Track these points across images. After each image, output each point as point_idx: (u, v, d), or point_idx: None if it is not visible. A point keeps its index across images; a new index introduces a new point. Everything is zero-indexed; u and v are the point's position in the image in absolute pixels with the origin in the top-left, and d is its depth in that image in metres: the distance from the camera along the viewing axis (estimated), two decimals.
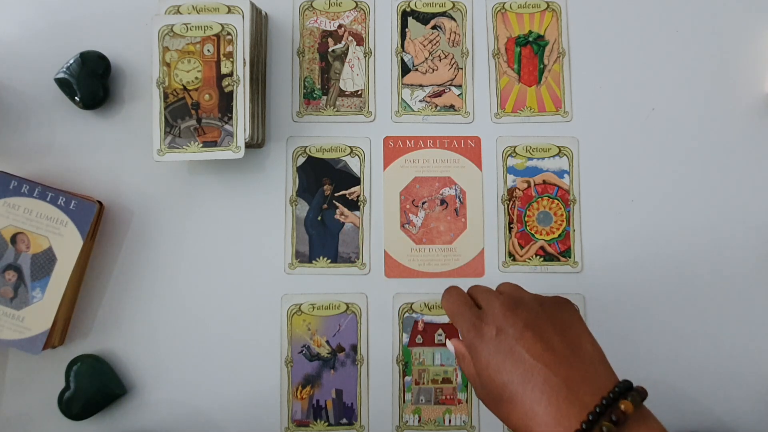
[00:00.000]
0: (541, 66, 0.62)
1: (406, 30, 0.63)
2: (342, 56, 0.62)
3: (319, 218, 0.60)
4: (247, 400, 0.58)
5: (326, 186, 0.60)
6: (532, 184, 0.61)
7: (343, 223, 0.60)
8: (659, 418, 0.38)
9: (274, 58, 0.62)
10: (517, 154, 0.61)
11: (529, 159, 0.61)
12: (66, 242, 0.54)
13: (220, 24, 0.56)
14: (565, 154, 0.61)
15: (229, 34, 0.56)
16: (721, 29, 0.62)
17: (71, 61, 0.59)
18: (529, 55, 0.62)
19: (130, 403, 0.57)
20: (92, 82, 0.58)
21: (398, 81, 0.62)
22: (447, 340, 0.47)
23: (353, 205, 0.60)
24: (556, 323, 0.41)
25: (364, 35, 0.63)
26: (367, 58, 0.62)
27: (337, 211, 0.60)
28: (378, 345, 0.59)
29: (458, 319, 0.44)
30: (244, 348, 0.58)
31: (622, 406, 0.34)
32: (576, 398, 0.35)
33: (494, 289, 0.46)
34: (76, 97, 0.58)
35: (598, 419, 0.34)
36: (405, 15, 0.63)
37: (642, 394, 0.36)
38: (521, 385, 0.37)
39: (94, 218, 0.55)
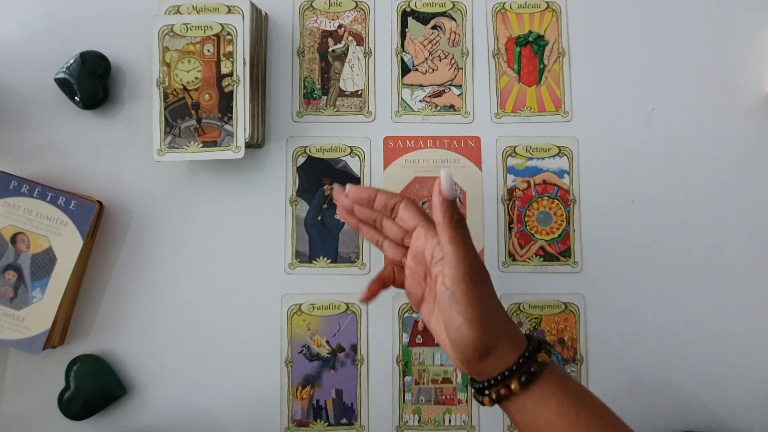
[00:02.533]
0: (541, 66, 0.62)
1: (406, 30, 0.63)
2: (342, 56, 0.62)
3: (319, 218, 0.60)
4: (247, 400, 0.58)
5: (326, 186, 0.60)
6: (532, 184, 0.61)
7: (343, 223, 0.60)
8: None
9: (274, 58, 0.62)
10: (517, 154, 0.61)
11: (529, 159, 0.61)
12: (66, 242, 0.54)
13: (220, 24, 0.56)
14: (565, 154, 0.61)
15: (229, 34, 0.56)
16: (721, 29, 0.62)
17: (71, 61, 0.59)
18: (529, 55, 0.62)
19: (130, 403, 0.57)
20: (92, 82, 0.58)
21: (398, 81, 0.62)
22: (442, 170, 0.42)
23: None
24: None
25: (364, 35, 0.63)
26: (367, 58, 0.62)
27: (337, 211, 0.60)
28: (378, 345, 0.59)
29: (454, 248, 0.42)
30: (244, 348, 0.58)
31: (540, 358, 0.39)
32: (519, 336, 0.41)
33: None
34: (76, 97, 0.58)
35: (521, 366, 0.39)
36: (405, 15, 0.63)
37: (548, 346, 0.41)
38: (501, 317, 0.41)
39: (94, 218, 0.55)
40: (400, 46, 0.62)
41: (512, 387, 0.38)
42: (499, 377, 0.39)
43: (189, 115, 0.56)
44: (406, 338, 0.59)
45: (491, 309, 0.40)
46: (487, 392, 0.40)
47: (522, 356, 0.39)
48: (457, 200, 0.60)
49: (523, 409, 0.39)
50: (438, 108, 0.62)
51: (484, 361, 0.40)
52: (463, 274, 0.39)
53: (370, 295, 0.47)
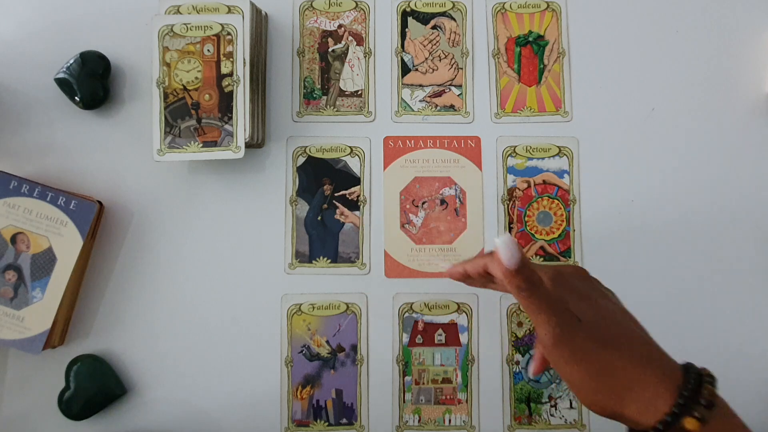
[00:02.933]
0: (541, 66, 0.62)
1: (406, 30, 0.63)
2: (342, 56, 0.62)
3: (319, 218, 0.60)
4: (247, 400, 0.58)
5: (326, 186, 0.60)
6: (532, 184, 0.61)
7: (343, 223, 0.60)
8: None
9: (274, 58, 0.62)
10: (517, 154, 0.61)
11: (529, 159, 0.61)
12: (66, 242, 0.54)
13: (220, 24, 0.56)
14: (565, 154, 0.61)
15: (229, 34, 0.56)
16: (721, 29, 0.62)
17: (71, 61, 0.59)
18: (529, 55, 0.62)
19: (130, 403, 0.57)
20: (92, 82, 0.58)
21: (398, 81, 0.62)
22: (497, 238, 0.37)
23: (353, 205, 0.60)
24: (604, 295, 0.41)
25: (364, 35, 0.63)
26: (367, 58, 0.62)
27: (337, 211, 0.60)
28: (378, 345, 0.59)
29: (536, 316, 0.37)
30: (244, 348, 0.58)
31: (706, 392, 0.34)
32: (666, 370, 0.36)
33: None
34: (76, 97, 0.58)
35: (688, 400, 0.33)
36: (405, 15, 0.63)
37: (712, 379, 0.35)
38: (626, 328, 0.37)
39: (94, 218, 0.55)
40: (400, 46, 0.62)
41: None
42: None
43: (189, 115, 0.56)
44: (406, 338, 0.59)
45: (597, 372, 0.35)
46: None
47: (662, 421, 0.33)
48: (458, 200, 0.60)
49: None
50: (438, 108, 0.62)
51: (621, 422, 0.35)
52: (549, 343, 0.36)
53: (539, 368, 0.42)
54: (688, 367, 0.35)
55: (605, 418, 0.36)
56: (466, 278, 0.45)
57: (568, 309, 0.36)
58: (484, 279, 0.44)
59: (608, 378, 0.35)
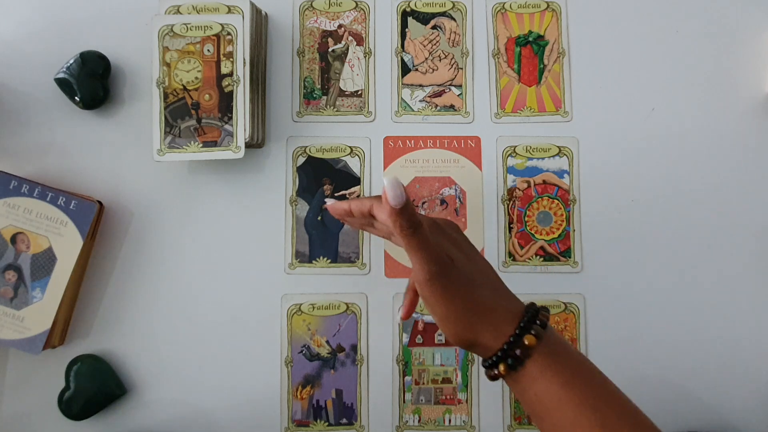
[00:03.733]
0: (541, 66, 0.62)
1: (406, 30, 0.63)
2: (342, 56, 0.62)
3: (319, 218, 0.60)
4: (247, 400, 0.58)
5: (326, 186, 0.60)
6: (532, 184, 0.61)
7: (343, 223, 0.60)
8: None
9: (274, 58, 0.62)
10: (517, 154, 0.61)
11: (529, 159, 0.61)
12: (66, 242, 0.54)
13: (220, 24, 0.56)
14: (565, 154, 0.61)
15: (229, 34, 0.56)
16: (721, 29, 0.62)
17: (71, 61, 0.59)
18: (529, 55, 0.62)
19: (130, 403, 0.57)
20: (92, 82, 0.58)
21: (398, 81, 0.62)
22: (384, 178, 0.40)
23: None
24: (466, 243, 0.46)
25: (364, 35, 0.63)
26: (367, 58, 0.62)
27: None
28: (378, 345, 0.59)
29: (415, 255, 0.41)
30: (244, 348, 0.58)
31: (541, 317, 0.41)
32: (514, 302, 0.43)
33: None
34: (76, 97, 0.58)
35: (527, 323, 0.40)
36: (405, 15, 0.63)
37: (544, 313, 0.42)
38: (487, 273, 0.43)
39: (94, 218, 0.55)
40: (400, 46, 0.62)
41: (501, 370, 0.39)
42: (488, 362, 0.41)
43: (189, 115, 0.56)
44: (406, 338, 0.59)
45: (462, 306, 0.40)
46: (486, 370, 0.42)
47: (507, 342, 0.39)
48: (458, 200, 0.60)
49: (515, 385, 0.40)
50: (438, 108, 0.62)
51: (473, 350, 0.41)
52: (424, 279, 0.40)
53: (408, 310, 0.48)
54: (530, 304, 0.42)
55: (463, 348, 0.42)
56: (348, 215, 0.48)
57: (443, 251, 0.41)
58: (364, 220, 0.48)
59: (469, 312, 0.40)
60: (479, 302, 0.41)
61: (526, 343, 0.39)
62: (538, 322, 0.40)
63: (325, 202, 0.54)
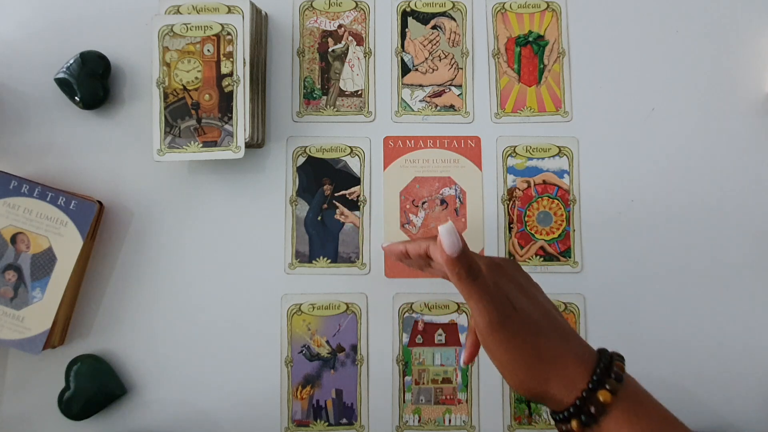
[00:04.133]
0: (541, 66, 0.62)
1: (406, 30, 0.63)
2: (342, 56, 0.62)
3: (319, 218, 0.60)
4: (247, 400, 0.58)
5: (326, 186, 0.60)
6: (532, 184, 0.61)
7: (343, 223, 0.60)
8: None
9: (274, 58, 0.62)
10: (517, 154, 0.61)
11: (529, 159, 0.61)
12: (66, 242, 0.54)
13: (220, 24, 0.56)
14: (565, 154, 0.61)
15: (229, 34, 0.56)
16: (721, 29, 0.62)
17: (71, 61, 0.59)
18: (529, 55, 0.62)
19: (130, 403, 0.57)
20: (92, 82, 0.58)
21: (398, 81, 0.62)
22: (440, 226, 0.39)
23: (353, 205, 0.60)
24: (530, 283, 0.44)
25: (364, 35, 0.63)
26: (367, 58, 0.62)
27: (337, 211, 0.60)
28: (378, 345, 0.59)
29: (473, 300, 0.39)
30: (244, 348, 0.58)
31: (616, 368, 0.37)
32: (586, 350, 0.39)
33: None
34: (76, 97, 0.58)
35: (601, 376, 0.37)
36: (405, 15, 0.63)
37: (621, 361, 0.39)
38: (552, 318, 0.40)
39: (94, 218, 0.55)
40: (400, 46, 0.62)
41: (573, 427, 0.36)
42: (559, 416, 0.37)
43: (189, 115, 0.56)
44: (406, 338, 0.59)
45: (528, 355, 0.37)
46: (556, 424, 0.38)
47: (579, 398, 0.36)
48: (458, 200, 0.60)
49: None
50: (438, 108, 0.62)
51: (542, 402, 0.38)
52: (485, 327, 0.38)
53: (471, 354, 0.44)
54: (601, 351, 0.39)
55: (531, 400, 0.39)
56: (405, 258, 0.47)
57: (505, 296, 0.39)
58: (422, 261, 0.47)
59: (536, 361, 0.38)
60: (546, 350, 0.38)
61: (601, 399, 0.36)
62: (613, 374, 0.37)
63: (382, 246, 0.52)
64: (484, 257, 0.43)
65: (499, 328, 0.38)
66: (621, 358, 0.38)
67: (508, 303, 0.39)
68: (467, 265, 0.38)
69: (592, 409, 0.36)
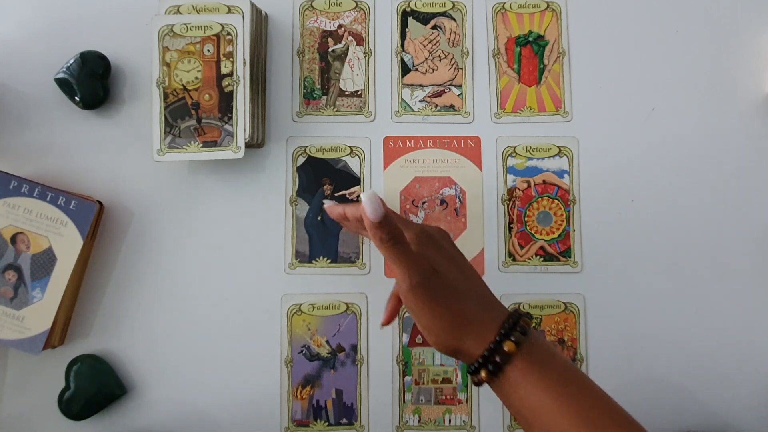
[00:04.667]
0: (541, 66, 0.62)
1: (406, 30, 0.63)
2: (342, 56, 0.62)
3: (319, 218, 0.60)
4: (247, 400, 0.58)
5: (326, 186, 0.60)
6: (532, 184, 0.61)
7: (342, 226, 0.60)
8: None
9: (274, 58, 0.62)
10: (517, 154, 0.61)
11: (529, 159, 0.61)
12: (66, 242, 0.54)
13: (220, 24, 0.56)
14: (565, 154, 0.61)
15: (229, 34, 0.56)
16: (721, 29, 0.62)
17: (71, 61, 0.59)
18: (529, 55, 0.62)
19: (130, 403, 0.57)
20: (92, 82, 0.58)
21: (398, 81, 0.62)
22: (362, 193, 0.42)
23: None
24: (455, 250, 0.46)
25: (364, 35, 0.63)
26: (367, 58, 0.62)
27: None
28: (378, 345, 0.59)
29: (398, 265, 0.42)
30: (244, 348, 0.58)
31: (522, 323, 0.41)
32: (493, 308, 0.43)
33: None
34: (76, 97, 0.58)
35: (508, 330, 0.40)
36: (405, 15, 0.63)
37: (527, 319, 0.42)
38: (473, 283, 0.44)
39: (94, 218, 0.55)
40: (400, 46, 0.62)
41: (482, 376, 0.40)
42: (471, 368, 0.41)
43: (189, 115, 0.56)
44: (406, 338, 0.59)
45: (446, 315, 0.41)
46: (470, 377, 0.42)
47: (487, 349, 0.40)
48: (458, 200, 0.60)
49: (499, 391, 0.41)
50: (438, 108, 0.62)
51: (457, 356, 0.42)
52: (407, 289, 0.41)
53: (389, 317, 0.49)
54: (513, 311, 0.42)
55: (448, 355, 0.43)
56: (343, 219, 0.50)
57: (427, 261, 0.42)
58: (359, 225, 0.49)
59: (452, 321, 0.41)
60: (463, 311, 0.41)
61: (506, 349, 0.39)
62: (518, 328, 0.40)
63: (323, 203, 0.54)
64: (415, 225, 0.46)
65: (420, 290, 0.41)
66: (529, 316, 0.44)
67: (428, 267, 0.42)
68: (388, 230, 0.41)
69: (498, 359, 0.39)
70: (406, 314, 0.59)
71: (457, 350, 0.41)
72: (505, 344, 0.39)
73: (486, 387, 0.41)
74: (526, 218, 0.60)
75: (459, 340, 0.41)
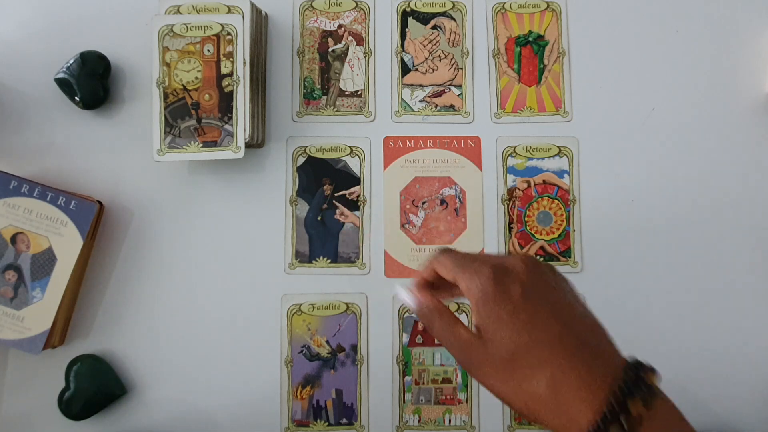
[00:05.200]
0: (541, 66, 0.62)
1: (406, 30, 0.63)
2: (342, 56, 0.62)
3: (319, 218, 0.60)
4: (247, 400, 0.58)
5: (326, 186, 0.60)
6: (532, 184, 0.61)
7: (343, 223, 0.60)
8: None
9: (274, 58, 0.62)
10: (517, 154, 0.61)
11: (529, 159, 0.61)
12: (66, 242, 0.54)
13: (220, 24, 0.56)
14: (565, 154, 0.61)
15: (229, 34, 0.56)
16: (721, 29, 0.62)
17: (71, 61, 0.59)
18: (529, 55, 0.62)
19: (130, 403, 0.57)
20: (92, 82, 0.58)
21: (398, 81, 0.62)
22: (401, 289, 0.39)
23: (353, 205, 0.60)
24: (571, 291, 0.39)
25: (364, 35, 0.63)
26: (367, 58, 0.62)
27: (337, 211, 0.60)
28: (378, 345, 0.59)
29: (468, 268, 0.36)
30: (244, 348, 0.58)
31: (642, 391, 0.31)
32: (601, 364, 0.33)
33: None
34: (76, 97, 0.58)
35: (623, 398, 0.31)
36: (405, 15, 0.63)
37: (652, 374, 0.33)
38: (548, 348, 0.33)
39: (94, 218, 0.55)
40: (400, 46, 0.62)
41: None
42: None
43: (189, 115, 0.56)
44: (406, 338, 0.59)
45: (515, 389, 0.33)
46: None
47: (604, 411, 0.30)
48: (458, 200, 0.60)
49: None
50: (438, 108, 0.62)
51: (547, 424, 0.33)
52: (462, 364, 0.36)
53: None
54: (632, 360, 0.34)
55: (531, 421, 0.36)
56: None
57: (501, 305, 0.34)
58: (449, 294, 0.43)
59: (524, 398, 0.33)
60: (549, 370, 0.32)
61: (633, 413, 0.30)
62: (643, 385, 0.31)
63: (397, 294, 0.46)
64: (494, 260, 0.37)
65: (471, 369, 0.35)
66: (654, 371, 0.33)
67: (478, 342, 0.35)
68: (427, 321, 0.38)
69: (623, 422, 0.30)
70: (406, 314, 0.59)
71: (537, 422, 0.33)
72: (630, 405, 0.30)
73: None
74: (526, 218, 0.60)
75: (539, 416, 0.32)
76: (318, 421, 0.58)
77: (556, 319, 0.34)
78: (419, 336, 0.59)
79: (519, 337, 0.34)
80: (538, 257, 0.60)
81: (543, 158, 0.61)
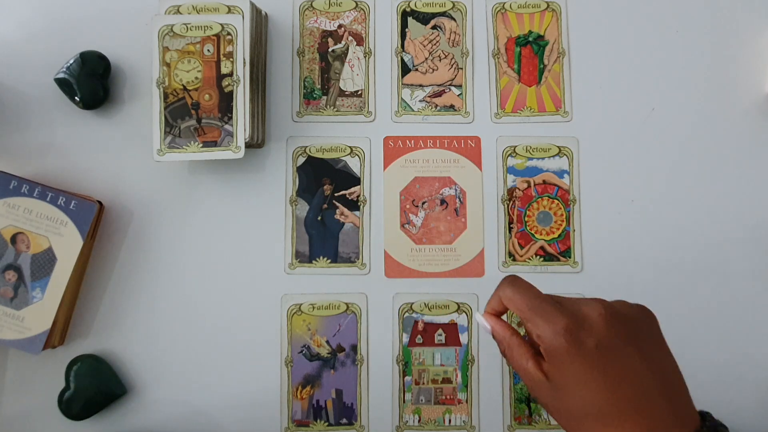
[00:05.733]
0: (541, 66, 0.62)
1: (406, 30, 0.63)
2: (342, 56, 0.62)
3: (319, 218, 0.60)
4: (247, 400, 0.58)
5: (326, 186, 0.60)
6: (532, 184, 0.61)
7: (343, 223, 0.60)
8: None
9: (274, 58, 0.62)
10: (517, 154, 0.61)
11: (529, 159, 0.61)
12: (66, 242, 0.54)
13: (220, 24, 0.56)
14: (565, 154, 0.61)
15: (229, 34, 0.56)
16: (721, 29, 0.62)
17: (71, 61, 0.59)
18: (529, 55, 0.62)
19: (130, 403, 0.57)
20: (92, 82, 0.58)
21: (398, 81, 0.62)
22: (481, 316, 0.40)
23: (353, 205, 0.60)
24: (653, 341, 0.38)
25: (364, 35, 0.63)
26: (367, 58, 0.62)
27: (337, 211, 0.60)
28: (378, 345, 0.59)
29: (541, 315, 0.36)
30: (244, 348, 0.58)
31: None
32: (677, 424, 0.34)
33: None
34: (76, 97, 0.58)
35: None
36: (405, 15, 0.63)
37: None
38: (615, 406, 0.34)
39: (94, 218, 0.55)
40: (400, 46, 0.62)
41: None
42: None
43: (189, 115, 0.56)
44: (406, 338, 0.59)
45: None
46: None
47: None
48: (458, 200, 0.60)
49: None
50: (438, 108, 0.62)
51: None
52: (531, 393, 0.36)
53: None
54: (708, 418, 0.34)
55: None
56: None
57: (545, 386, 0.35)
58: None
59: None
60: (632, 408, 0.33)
61: None
62: None
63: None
64: (574, 304, 0.37)
65: (541, 401, 0.37)
66: (725, 428, 0.33)
67: (550, 393, 0.35)
68: (503, 348, 0.39)
69: None
70: (406, 314, 0.59)
71: None
72: None
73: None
74: (526, 218, 0.60)
75: None
76: (318, 421, 0.58)
77: (630, 381, 0.34)
78: (419, 336, 0.59)
79: (590, 395, 0.33)
80: (538, 257, 0.60)
81: (543, 158, 0.61)
